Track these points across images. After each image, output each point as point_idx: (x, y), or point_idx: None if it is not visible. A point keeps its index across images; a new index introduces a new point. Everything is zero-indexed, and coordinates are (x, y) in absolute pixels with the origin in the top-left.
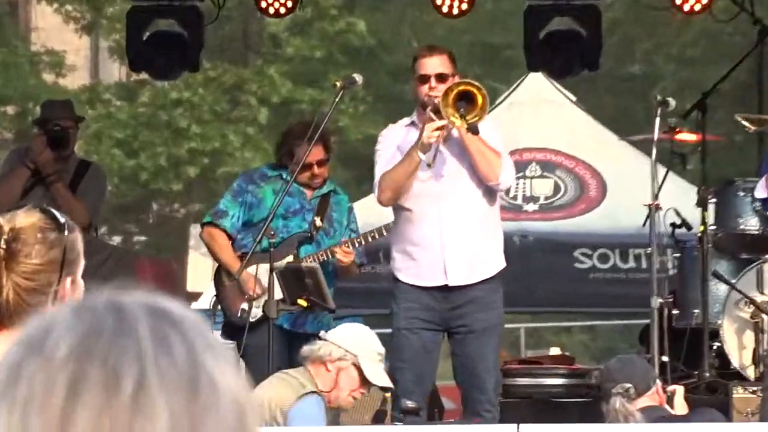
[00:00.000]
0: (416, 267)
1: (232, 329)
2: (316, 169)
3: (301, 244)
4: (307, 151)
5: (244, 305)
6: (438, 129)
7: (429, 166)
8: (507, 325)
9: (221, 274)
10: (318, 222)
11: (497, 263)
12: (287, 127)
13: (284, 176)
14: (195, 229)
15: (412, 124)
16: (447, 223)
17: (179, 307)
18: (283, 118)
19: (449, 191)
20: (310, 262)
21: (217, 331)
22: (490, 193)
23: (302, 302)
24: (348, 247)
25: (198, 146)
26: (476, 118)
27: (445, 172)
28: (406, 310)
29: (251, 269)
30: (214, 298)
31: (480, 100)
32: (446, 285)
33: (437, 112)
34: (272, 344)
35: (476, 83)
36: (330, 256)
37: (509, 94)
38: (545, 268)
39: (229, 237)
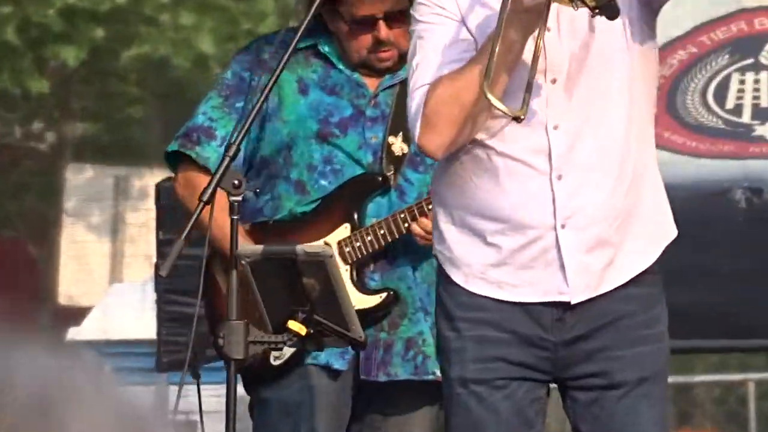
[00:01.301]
0: (497, 263)
1: (253, 375)
2: (382, 31)
3: (367, 198)
4: None
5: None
6: None
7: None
8: (723, 376)
9: (216, 265)
10: (399, 144)
11: (661, 237)
12: None
13: (326, 48)
14: (76, 177)
15: None
16: (567, 178)
17: None
18: None
19: (573, 115)
20: (377, 234)
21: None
22: (647, 113)
23: (296, 327)
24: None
25: None
26: None
27: (560, 78)
28: (476, 343)
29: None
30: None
31: None
32: (566, 302)
33: None
34: (234, 406)
35: None
36: (404, 226)
37: None
38: None
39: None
